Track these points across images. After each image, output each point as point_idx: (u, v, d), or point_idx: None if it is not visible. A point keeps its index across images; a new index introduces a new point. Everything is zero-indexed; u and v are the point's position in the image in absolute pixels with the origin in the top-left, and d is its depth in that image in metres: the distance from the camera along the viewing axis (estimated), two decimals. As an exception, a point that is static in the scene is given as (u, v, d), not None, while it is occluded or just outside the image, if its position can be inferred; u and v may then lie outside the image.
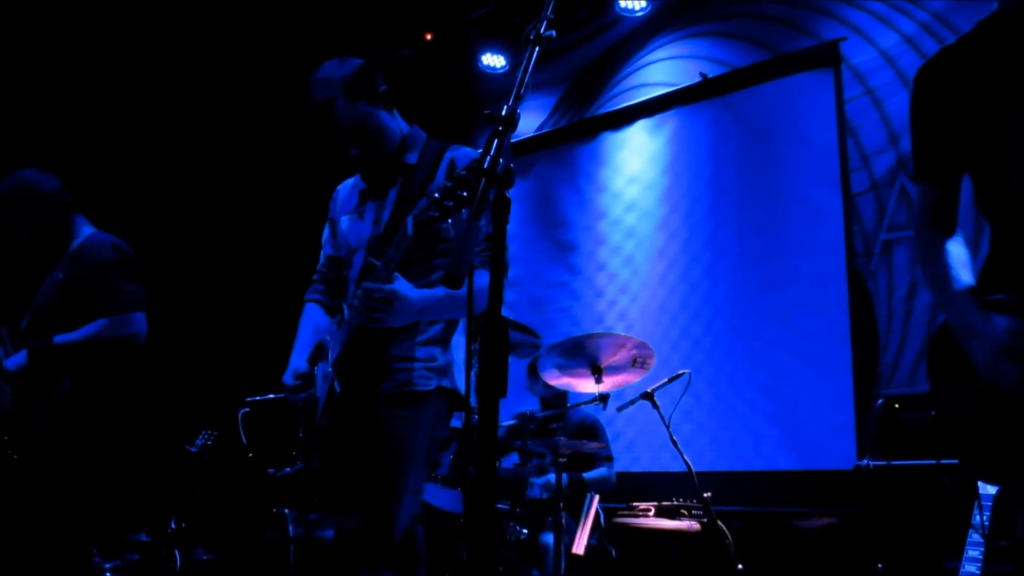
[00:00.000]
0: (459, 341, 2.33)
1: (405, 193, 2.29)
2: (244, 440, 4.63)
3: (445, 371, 2.28)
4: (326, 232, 2.56)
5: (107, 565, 4.33)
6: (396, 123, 2.39)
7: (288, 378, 2.37)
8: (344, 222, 2.44)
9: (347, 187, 2.54)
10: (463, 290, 2.04)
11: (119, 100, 5.42)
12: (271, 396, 4.52)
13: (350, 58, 2.35)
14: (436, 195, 1.95)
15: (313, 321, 2.47)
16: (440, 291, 2.20)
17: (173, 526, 4.51)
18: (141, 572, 4.42)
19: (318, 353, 2.37)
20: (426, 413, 2.24)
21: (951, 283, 1.66)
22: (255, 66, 5.69)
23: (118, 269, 3.01)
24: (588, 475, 4.15)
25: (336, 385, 2.24)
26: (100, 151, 5.23)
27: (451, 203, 1.93)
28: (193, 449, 4.70)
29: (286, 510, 4.07)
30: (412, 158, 2.36)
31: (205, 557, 4.65)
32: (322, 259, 2.57)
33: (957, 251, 1.70)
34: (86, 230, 3.14)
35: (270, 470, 4.40)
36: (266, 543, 4.09)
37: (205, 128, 5.80)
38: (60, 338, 2.93)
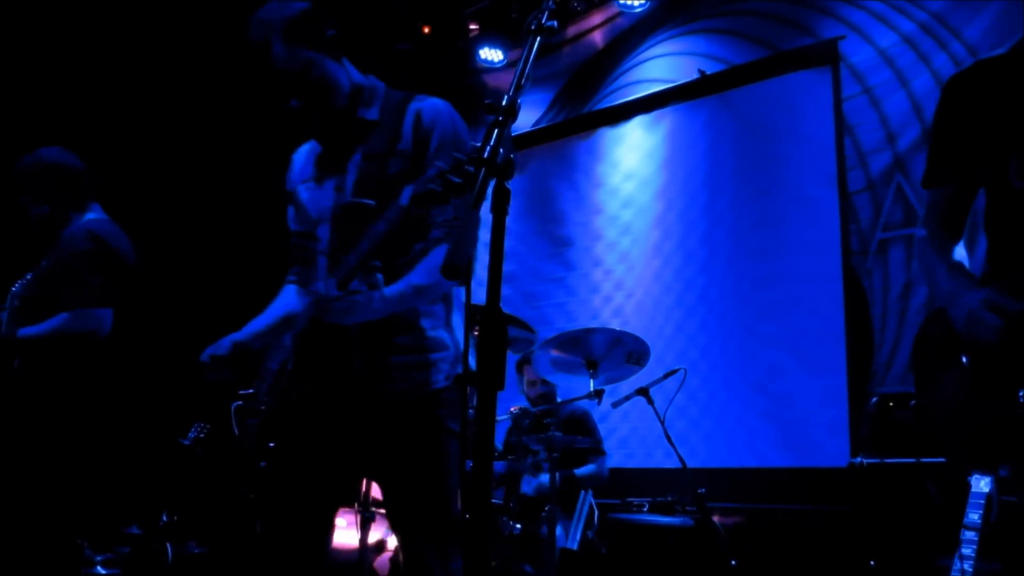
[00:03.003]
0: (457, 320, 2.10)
1: (370, 154, 2.02)
2: (237, 433, 4.61)
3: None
4: (290, 209, 2.24)
5: (98, 558, 4.31)
6: (346, 72, 2.08)
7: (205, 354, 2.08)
8: (303, 192, 2.14)
9: (303, 154, 2.23)
10: (434, 281, 1.91)
11: (97, 87, 5.38)
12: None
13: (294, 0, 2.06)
14: (442, 166, 1.74)
15: (284, 303, 2.19)
16: (407, 286, 1.97)
17: (165, 519, 4.49)
18: (132, 565, 4.40)
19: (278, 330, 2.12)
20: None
21: (945, 265, 1.75)
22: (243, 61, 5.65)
23: (89, 261, 2.91)
24: (579, 472, 4.14)
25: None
26: (94, 141, 5.20)
27: (459, 179, 1.72)
28: (186, 442, 4.68)
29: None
30: (372, 114, 2.06)
31: (197, 551, 4.64)
32: (292, 238, 2.24)
33: (958, 251, 1.78)
34: (88, 216, 3.06)
35: (262, 463, 4.38)
36: (258, 537, 4.07)
37: (199, 125, 5.77)
38: (24, 331, 2.89)
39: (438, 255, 1.95)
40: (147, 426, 3.26)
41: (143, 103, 5.53)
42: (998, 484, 2.57)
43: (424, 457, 1.98)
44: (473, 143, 1.97)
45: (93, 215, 3.08)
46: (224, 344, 2.09)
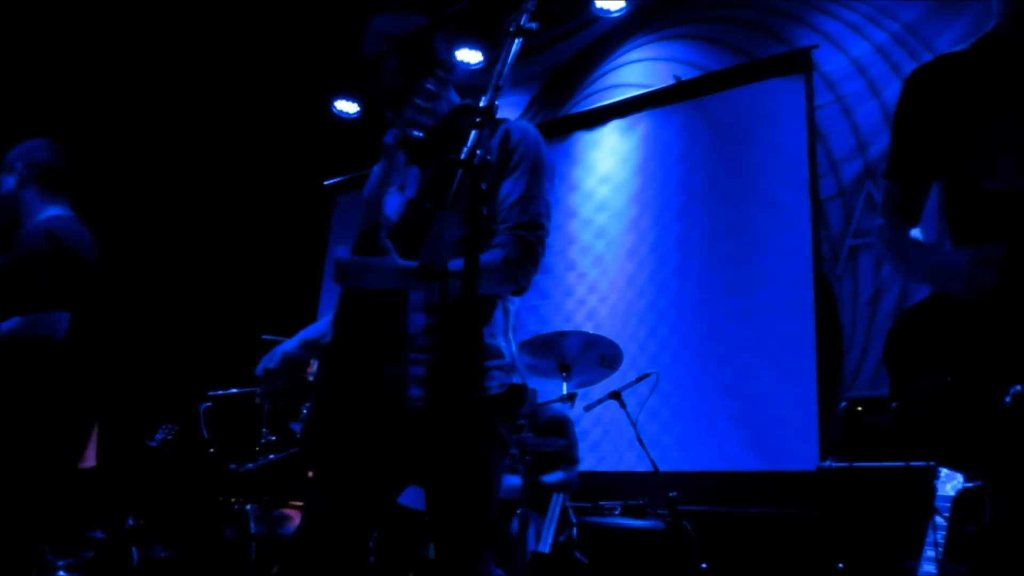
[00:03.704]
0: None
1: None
2: (205, 435, 4.55)
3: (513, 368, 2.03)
4: None
5: (60, 563, 4.23)
6: (447, 94, 2.14)
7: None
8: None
9: (385, 161, 2.30)
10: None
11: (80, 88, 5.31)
12: (234, 390, 4.45)
13: (412, 14, 2.13)
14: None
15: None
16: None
17: (131, 522, 4.43)
18: (96, 569, 4.32)
19: None
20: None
21: (916, 246, 1.79)
22: (213, 63, 5.62)
23: (45, 262, 2.81)
24: (546, 479, 4.13)
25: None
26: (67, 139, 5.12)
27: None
28: (153, 444, 4.61)
29: (248, 507, 4.00)
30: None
31: (163, 554, 4.57)
32: None
33: (916, 234, 1.83)
34: (50, 212, 2.96)
35: (231, 466, 4.33)
36: (226, 541, 4.02)
37: (168, 123, 5.71)
38: None
39: (484, 257, 1.89)
40: (111, 428, 3.18)
41: (143, 104, 5.47)
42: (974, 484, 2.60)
43: (471, 464, 1.94)
44: (551, 173, 2.03)
45: (57, 210, 2.98)
46: (275, 355, 2.12)
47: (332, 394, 1.98)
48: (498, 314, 2.03)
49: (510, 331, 2.08)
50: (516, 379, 2.01)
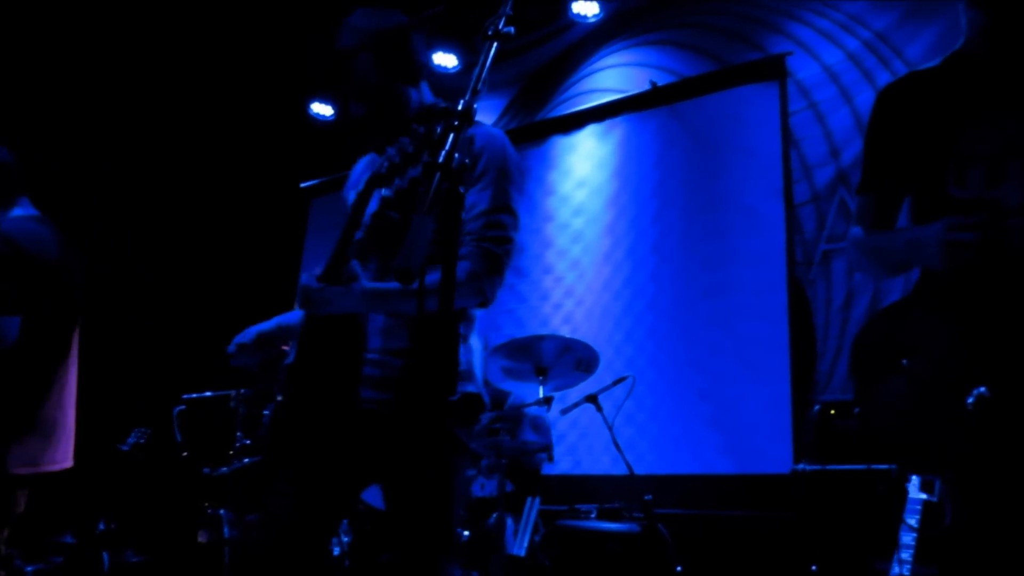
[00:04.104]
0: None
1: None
2: (179, 439, 4.51)
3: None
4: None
5: (29, 568, 4.17)
6: (419, 93, 2.11)
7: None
8: (352, 199, 2.16)
9: (362, 164, 2.30)
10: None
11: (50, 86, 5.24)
12: (208, 394, 4.41)
13: (393, 11, 2.10)
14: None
15: None
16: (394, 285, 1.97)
17: (102, 527, 4.37)
18: (66, 575, 4.26)
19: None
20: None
21: (892, 232, 1.82)
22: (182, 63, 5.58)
23: None
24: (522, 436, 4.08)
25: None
26: (36, 138, 5.05)
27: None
28: (125, 447, 4.56)
29: (221, 511, 3.97)
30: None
31: (135, 559, 4.52)
32: None
33: None
34: (15, 212, 2.86)
35: (205, 470, 4.29)
36: (199, 546, 3.98)
37: (144, 126, 5.65)
38: None
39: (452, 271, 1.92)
40: (82, 431, 3.13)
41: (120, 105, 5.41)
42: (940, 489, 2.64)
43: (429, 467, 1.94)
44: (519, 179, 2.02)
45: (20, 211, 2.89)
46: (250, 333, 2.14)
47: (293, 398, 1.99)
48: (459, 325, 2.03)
49: (472, 339, 2.08)
50: (471, 388, 2.01)
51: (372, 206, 2.02)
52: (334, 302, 1.87)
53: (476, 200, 1.96)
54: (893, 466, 3.14)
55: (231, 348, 2.15)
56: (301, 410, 1.98)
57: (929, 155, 1.74)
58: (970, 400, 1.54)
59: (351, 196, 2.17)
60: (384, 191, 2.02)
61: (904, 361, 1.67)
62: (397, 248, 1.82)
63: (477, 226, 1.95)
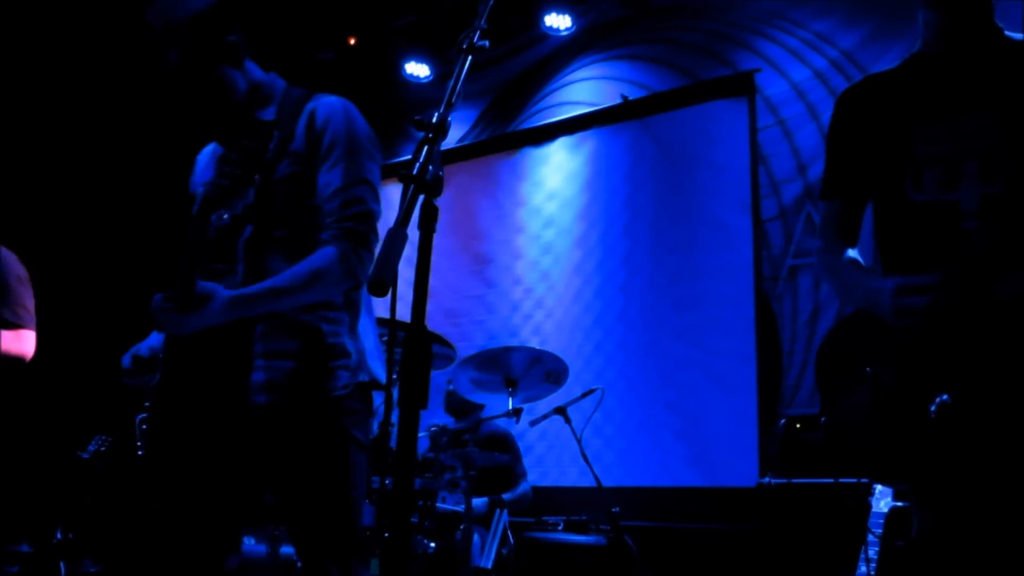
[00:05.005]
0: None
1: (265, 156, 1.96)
2: (140, 448, 4.43)
3: None
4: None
5: (-17, 578, 4.07)
6: (244, 73, 2.02)
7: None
8: (197, 202, 2.06)
9: (206, 156, 2.18)
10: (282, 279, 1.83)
11: None
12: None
13: None
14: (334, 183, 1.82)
15: None
16: (261, 288, 1.87)
17: (59, 536, 4.27)
18: (21, 585, 4.16)
19: None
20: None
21: (853, 269, 1.81)
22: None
23: None
24: (508, 496, 4.14)
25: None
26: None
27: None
28: (85, 455, 4.46)
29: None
30: (268, 114, 2.00)
31: (93, 569, 4.43)
32: None
33: (855, 254, 1.85)
34: None
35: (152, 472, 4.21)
36: (154, 552, 3.90)
37: (83, 125, 5.55)
38: None
39: (315, 260, 1.87)
40: (40, 439, 3.07)
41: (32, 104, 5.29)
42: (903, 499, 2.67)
43: (325, 466, 1.90)
44: (371, 147, 1.97)
45: None
46: (143, 348, 2.05)
47: (161, 421, 1.95)
48: (340, 314, 1.96)
49: (359, 326, 2.01)
50: (363, 377, 1.95)
51: (212, 221, 1.97)
52: (191, 322, 1.81)
53: (329, 179, 1.91)
54: (852, 480, 3.17)
55: (126, 361, 2.06)
56: (174, 430, 1.92)
57: (887, 158, 1.75)
58: (932, 408, 1.55)
59: (199, 190, 2.07)
60: (224, 213, 1.96)
61: (868, 369, 1.68)
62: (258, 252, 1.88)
63: (335, 206, 1.89)
